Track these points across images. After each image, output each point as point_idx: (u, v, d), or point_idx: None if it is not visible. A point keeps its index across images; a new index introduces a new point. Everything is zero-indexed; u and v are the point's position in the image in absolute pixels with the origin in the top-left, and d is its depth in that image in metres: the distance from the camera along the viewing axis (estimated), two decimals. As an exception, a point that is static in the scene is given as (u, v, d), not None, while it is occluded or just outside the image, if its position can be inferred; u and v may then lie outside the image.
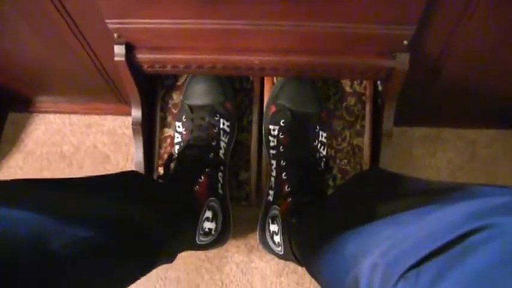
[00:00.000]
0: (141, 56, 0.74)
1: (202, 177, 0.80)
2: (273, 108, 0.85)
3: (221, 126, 0.84)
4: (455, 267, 0.32)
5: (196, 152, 0.82)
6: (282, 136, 0.83)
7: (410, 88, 0.79)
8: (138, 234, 0.57)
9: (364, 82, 0.90)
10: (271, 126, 0.85)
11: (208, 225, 0.78)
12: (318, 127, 0.84)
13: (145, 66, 0.76)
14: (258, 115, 0.91)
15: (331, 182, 0.88)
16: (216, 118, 0.84)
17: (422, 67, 0.77)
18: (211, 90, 0.85)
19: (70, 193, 0.52)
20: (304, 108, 0.84)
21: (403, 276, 0.35)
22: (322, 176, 0.82)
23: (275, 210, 0.80)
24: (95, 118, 1.06)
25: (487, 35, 0.69)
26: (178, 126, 0.87)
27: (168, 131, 0.92)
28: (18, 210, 0.42)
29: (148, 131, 0.91)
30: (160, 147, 0.93)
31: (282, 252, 0.79)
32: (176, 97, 0.92)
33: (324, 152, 0.85)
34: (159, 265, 0.65)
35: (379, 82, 0.87)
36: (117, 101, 1.00)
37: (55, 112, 1.07)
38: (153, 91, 0.92)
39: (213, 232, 0.80)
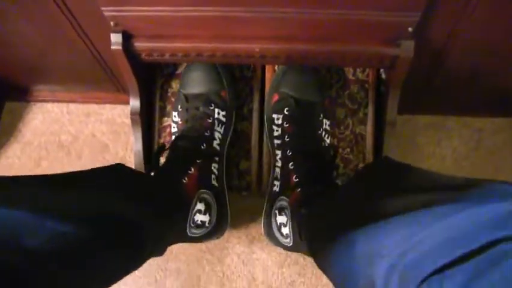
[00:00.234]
0: (139, 45, 0.73)
1: (193, 169, 0.78)
2: (276, 97, 0.83)
3: (216, 116, 0.82)
4: (484, 276, 0.31)
5: (188, 143, 0.80)
6: (287, 125, 0.81)
7: (415, 75, 0.78)
8: (124, 227, 0.55)
9: (367, 69, 0.88)
10: (274, 115, 0.83)
11: (200, 217, 0.77)
12: (321, 115, 0.83)
13: (143, 55, 0.75)
14: (259, 103, 0.89)
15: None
16: (211, 108, 0.82)
17: (428, 54, 0.76)
18: (206, 78, 0.83)
19: (52, 188, 0.50)
20: (307, 96, 0.82)
21: (425, 281, 0.34)
22: (330, 165, 0.81)
23: (283, 202, 0.79)
24: (93, 107, 1.05)
25: (494, 21, 0.67)
26: (175, 116, 0.86)
27: (167, 120, 0.91)
28: None
29: (148, 120, 0.90)
30: (159, 136, 0.92)
31: (291, 244, 0.78)
32: (175, 86, 0.91)
33: (328, 141, 0.84)
34: (148, 258, 0.64)
35: (382, 70, 0.86)
36: (115, 90, 0.98)
37: (53, 101, 1.05)
38: (152, 80, 0.90)
39: (206, 224, 0.78)
